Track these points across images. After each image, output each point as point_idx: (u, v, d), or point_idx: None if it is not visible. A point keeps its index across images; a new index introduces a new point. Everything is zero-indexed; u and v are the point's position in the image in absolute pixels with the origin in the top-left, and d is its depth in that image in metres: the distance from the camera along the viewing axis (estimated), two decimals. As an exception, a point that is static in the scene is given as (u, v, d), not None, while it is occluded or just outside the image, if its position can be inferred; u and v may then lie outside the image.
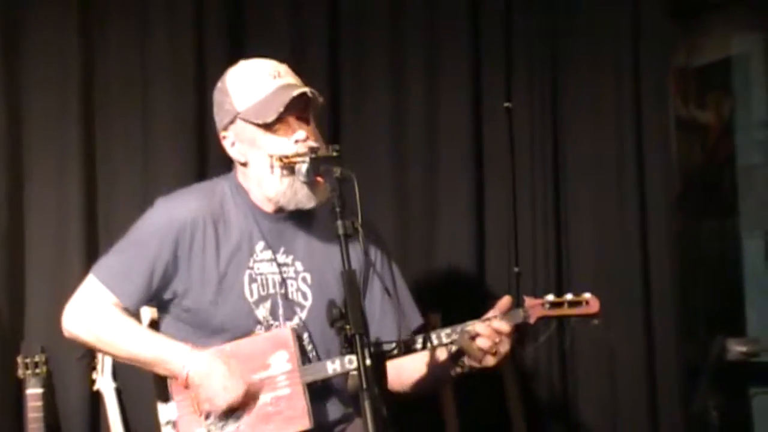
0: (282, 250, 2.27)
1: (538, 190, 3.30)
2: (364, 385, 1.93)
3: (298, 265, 2.27)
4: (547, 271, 3.27)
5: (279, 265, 2.25)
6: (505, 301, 2.23)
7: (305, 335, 2.24)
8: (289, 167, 2.19)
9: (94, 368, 2.82)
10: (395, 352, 2.18)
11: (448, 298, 3.03)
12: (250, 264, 2.24)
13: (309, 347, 2.24)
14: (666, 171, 3.33)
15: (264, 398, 2.16)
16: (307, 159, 2.15)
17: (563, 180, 3.32)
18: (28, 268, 2.94)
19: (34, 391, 2.78)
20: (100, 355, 2.79)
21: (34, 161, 2.96)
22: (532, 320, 2.24)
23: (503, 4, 3.31)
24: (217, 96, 2.29)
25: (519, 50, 3.32)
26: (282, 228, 2.27)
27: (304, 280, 2.27)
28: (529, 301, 2.24)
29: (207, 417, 2.16)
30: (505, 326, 2.18)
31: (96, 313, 2.20)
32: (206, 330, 2.22)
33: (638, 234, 3.28)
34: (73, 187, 2.96)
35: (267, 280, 2.25)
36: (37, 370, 2.79)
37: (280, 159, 2.19)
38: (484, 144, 3.30)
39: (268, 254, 2.25)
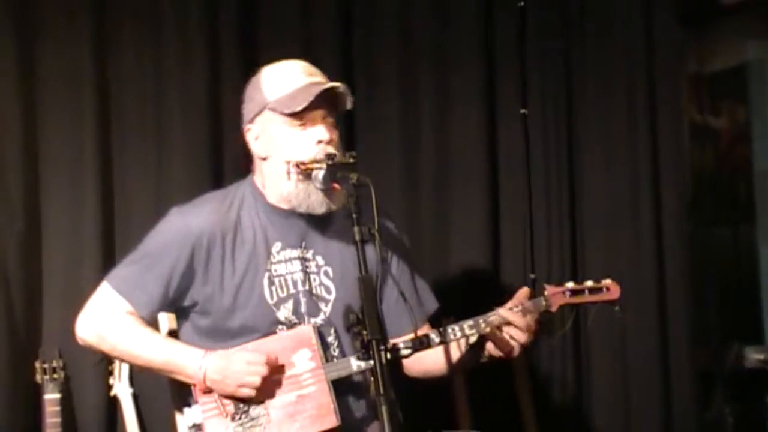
0: (303, 245, 2.27)
1: (553, 196, 3.30)
2: (381, 390, 1.94)
3: (319, 260, 2.28)
4: (562, 278, 3.25)
5: (302, 261, 2.25)
6: (524, 291, 2.24)
7: (331, 330, 2.24)
8: (306, 173, 2.20)
9: (111, 373, 2.83)
10: (410, 352, 2.18)
11: (463, 305, 3.02)
12: (268, 266, 2.25)
13: (335, 343, 2.24)
14: (680, 177, 3.33)
15: (289, 397, 2.16)
16: (323, 165, 2.16)
17: (578, 186, 3.33)
18: (45, 274, 2.95)
19: (51, 396, 2.79)
20: (117, 361, 2.80)
21: (50, 170, 2.97)
22: (554, 308, 2.25)
23: (518, 11, 3.31)
24: (248, 90, 2.30)
25: (533, 56, 3.32)
26: (299, 224, 2.27)
27: (326, 273, 2.28)
28: (550, 288, 2.25)
29: (233, 418, 2.16)
30: (532, 321, 2.20)
31: (111, 321, 2.21)
32: (226, 334, 2.23)
33: (653, 240, 3.27)
34: (89, 194, 2.97)
35: (286, 280, 2.25)
36: (55, 375, 2.80)
37: (297, 165, 2.20)
38: (499, 150, 3.30)
39: (287, 253, 2.26)
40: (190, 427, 2.20)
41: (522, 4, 3.29)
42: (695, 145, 3.61)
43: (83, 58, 2.98)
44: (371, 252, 2.10)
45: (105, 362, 2.85)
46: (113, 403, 2.88)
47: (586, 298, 2.27)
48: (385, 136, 3.23)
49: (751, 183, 3.64)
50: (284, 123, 2.22)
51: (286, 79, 2.25)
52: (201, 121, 3.04)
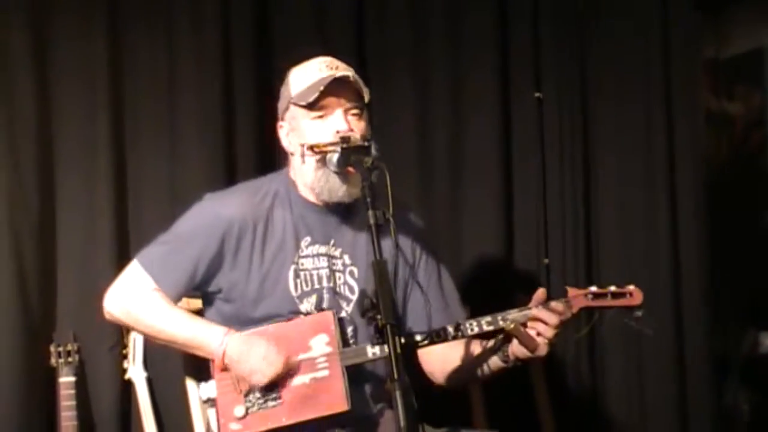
0: (332, 242, 2.29)
1: (567, 180, 3.29)
2: (395, 375, 1.93)
3: (346, 258, 2.29)
4: (576, 263, 3.25)
5: (329, 258, 2.27)
6: (540, 293, 2.21)
7: (350, 329, 2.26)
8: (320, 157, 2.20)
9: (125, 357, 2.84)
10: (426, 342, 2.18)
11: (477, 291, 3.02)
12: (295, 259, 2.26)
13: (352, 340, 2.25)
14: (696, 163, 3.30)
15: (302, 379, 2.17)
16: (337, 149, 2.17)
17: (593, 170, 3.31)
18: (59, 258, 2.95)
19: (66, 380, 2.80)
20: (131, 345, 2.82)
21: (64, 155, 2.98)
22: (574, 310, 2.22)
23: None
24: (281, 89, 2.33)
25: (548, 40, 3.30)
26: (330, 221, 2.28)
27: (351, 273, 2.29)
28: (572, 291, 2.23)
29: (246, 395, 2.18)
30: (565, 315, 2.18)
31: (136, 296, 2.24)
32: (249, 322, 2.24)
33: (668, 226, 3.26)
34: (103, 179, 2.97)
35: (312, 275, 2.27)
36: (70, 359, 2.81)
37: (311, 148, 2.21)
38: (513, 134, 3.29)
39: (316, 248, 2.28)
40: (204, 401, 2.22)
41: (536, -13, 3.28)
42: (710, 130, 3.58)
43: (97, 51, 2.98)
44: (388, 242, 2.09)
45: (119, 346, 2.86)
46: (128, 387, 2.89)
47: (608, 302, 2.24)
48: (399, 121, 3.22)
49: (766, 168, 3.62)
50: (305, 115, 2.25)
51: (307, 74, 2.27)
52: (214, 114, 3.04)
